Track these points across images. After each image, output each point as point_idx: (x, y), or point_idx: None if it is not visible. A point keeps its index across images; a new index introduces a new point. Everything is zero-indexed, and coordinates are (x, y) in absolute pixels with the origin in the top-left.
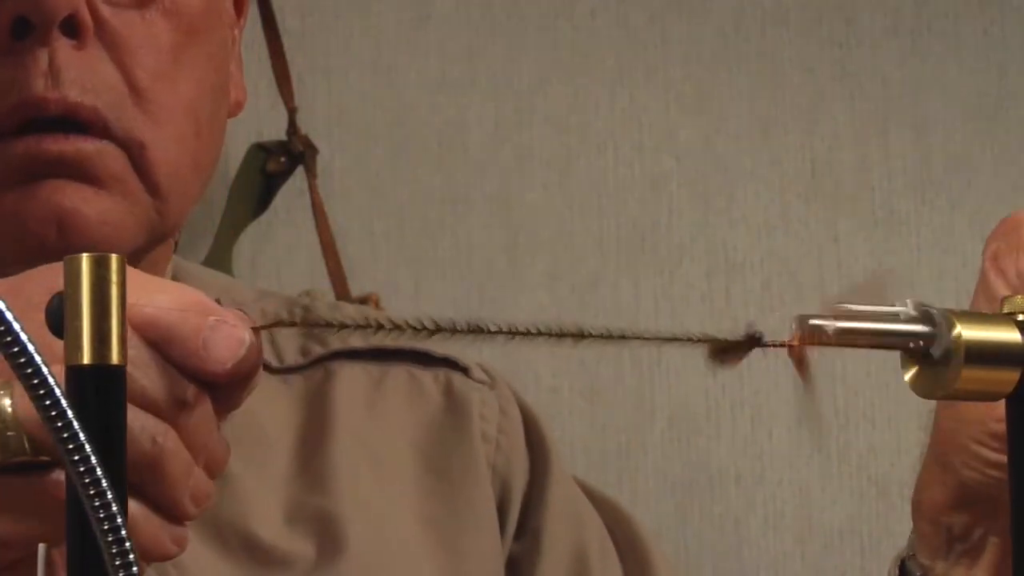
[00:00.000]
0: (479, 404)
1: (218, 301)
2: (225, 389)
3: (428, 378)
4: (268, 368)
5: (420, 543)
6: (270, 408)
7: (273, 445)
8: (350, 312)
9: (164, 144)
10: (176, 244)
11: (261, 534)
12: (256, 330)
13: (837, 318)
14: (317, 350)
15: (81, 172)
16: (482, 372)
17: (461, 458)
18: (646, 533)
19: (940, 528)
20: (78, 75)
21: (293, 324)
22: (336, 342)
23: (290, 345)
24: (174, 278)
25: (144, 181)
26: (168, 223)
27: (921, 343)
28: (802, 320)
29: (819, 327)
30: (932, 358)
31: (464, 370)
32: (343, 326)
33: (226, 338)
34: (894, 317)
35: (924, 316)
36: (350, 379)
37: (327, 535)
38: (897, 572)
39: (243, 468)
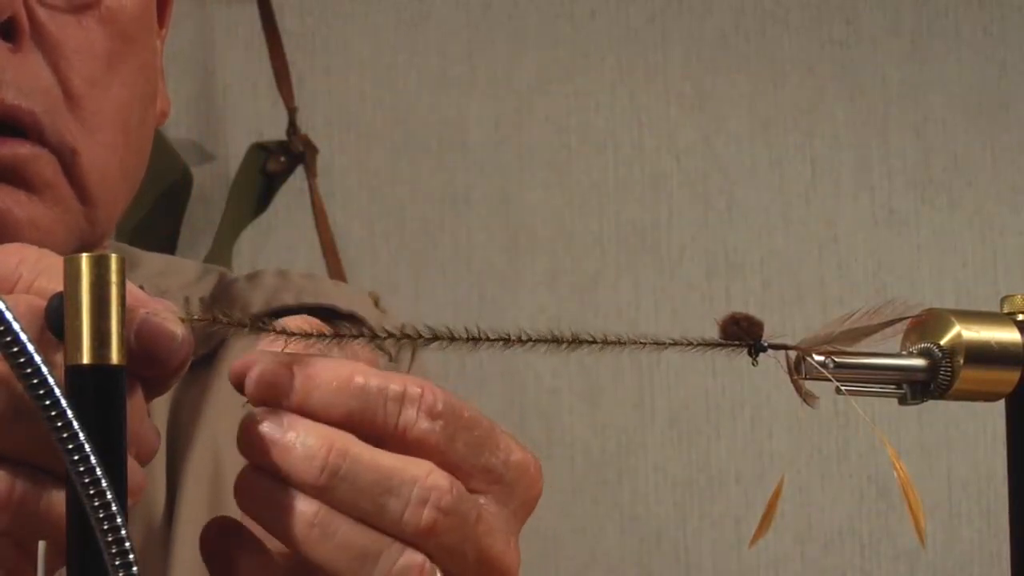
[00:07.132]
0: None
1: (141, 287)
2: (155, 379)
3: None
4: None
5: None
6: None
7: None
8: (268, 282)
9: (95, 151)
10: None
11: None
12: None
13: (834, 352)
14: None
15: (14, 176)
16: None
17: None
18: None
19: None
20: (15, 78)
21: (230, 324)
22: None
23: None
24: None
25: (75, 188)
26: (98, 230)
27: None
28: (799, 356)
29: (816, 364)
30: (931, 392)
31: None
32: (307, 335)
33: (156, 332)
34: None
35: (923, 352)
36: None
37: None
38: None
39: None
